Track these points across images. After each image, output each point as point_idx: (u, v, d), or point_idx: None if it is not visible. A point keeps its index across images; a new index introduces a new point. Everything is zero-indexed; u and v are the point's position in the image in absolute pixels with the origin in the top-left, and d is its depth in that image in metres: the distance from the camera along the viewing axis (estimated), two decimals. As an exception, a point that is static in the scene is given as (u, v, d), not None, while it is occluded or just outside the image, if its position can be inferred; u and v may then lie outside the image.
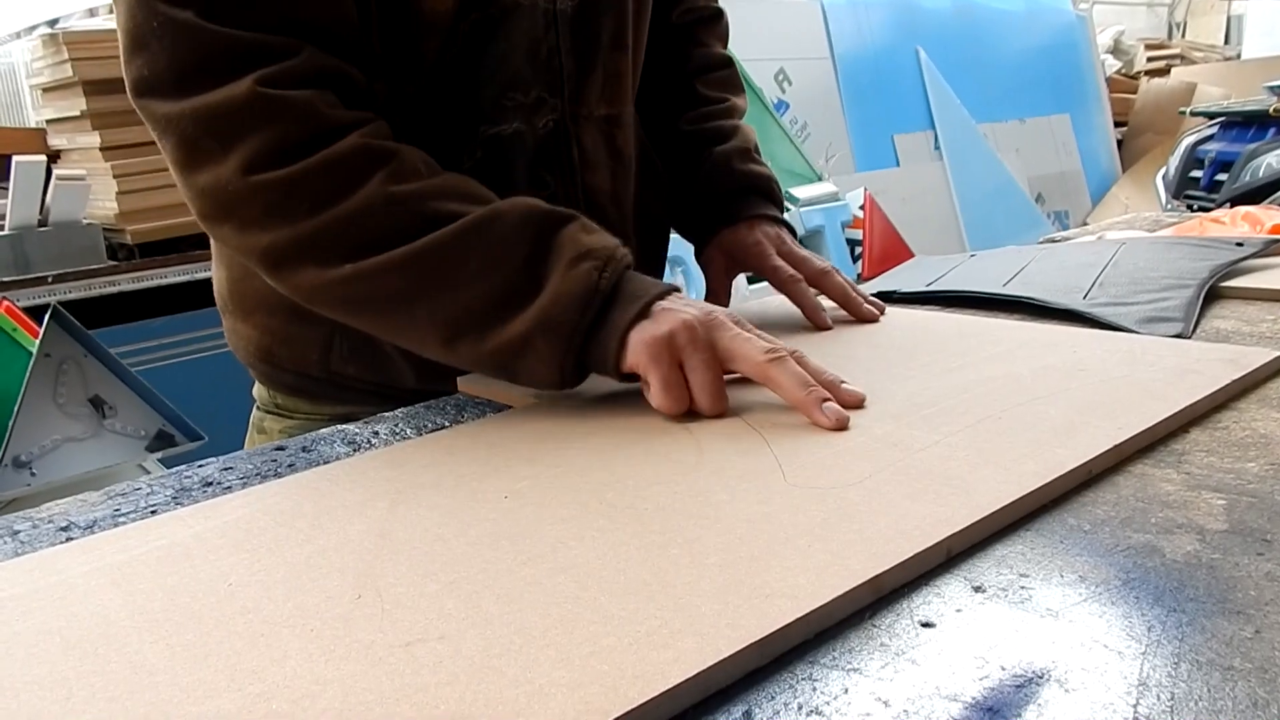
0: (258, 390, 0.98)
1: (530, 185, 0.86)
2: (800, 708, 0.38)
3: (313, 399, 0.92)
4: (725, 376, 0.70)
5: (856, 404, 0.68)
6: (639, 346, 0.69)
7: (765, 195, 1.02)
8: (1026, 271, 1.06)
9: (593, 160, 0.92)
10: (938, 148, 4.96)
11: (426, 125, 0.82)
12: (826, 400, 0.66)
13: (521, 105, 0.85)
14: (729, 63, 1.09)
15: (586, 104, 0.89)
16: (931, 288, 1.04)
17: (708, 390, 0.68)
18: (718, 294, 1.02)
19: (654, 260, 1.06)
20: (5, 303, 2.28)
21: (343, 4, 0.74)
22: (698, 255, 1.04)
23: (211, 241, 0.87)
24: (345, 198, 0.70)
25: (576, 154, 0.90)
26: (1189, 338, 0.84)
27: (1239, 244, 1.08)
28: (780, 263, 0.96)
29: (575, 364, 0.71)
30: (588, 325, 0.69)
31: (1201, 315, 0.91)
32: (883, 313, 0.95)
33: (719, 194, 1.02)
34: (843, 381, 0.70)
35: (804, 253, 0.99)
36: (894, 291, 1.05)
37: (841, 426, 0.65)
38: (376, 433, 0.74)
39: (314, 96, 0.71)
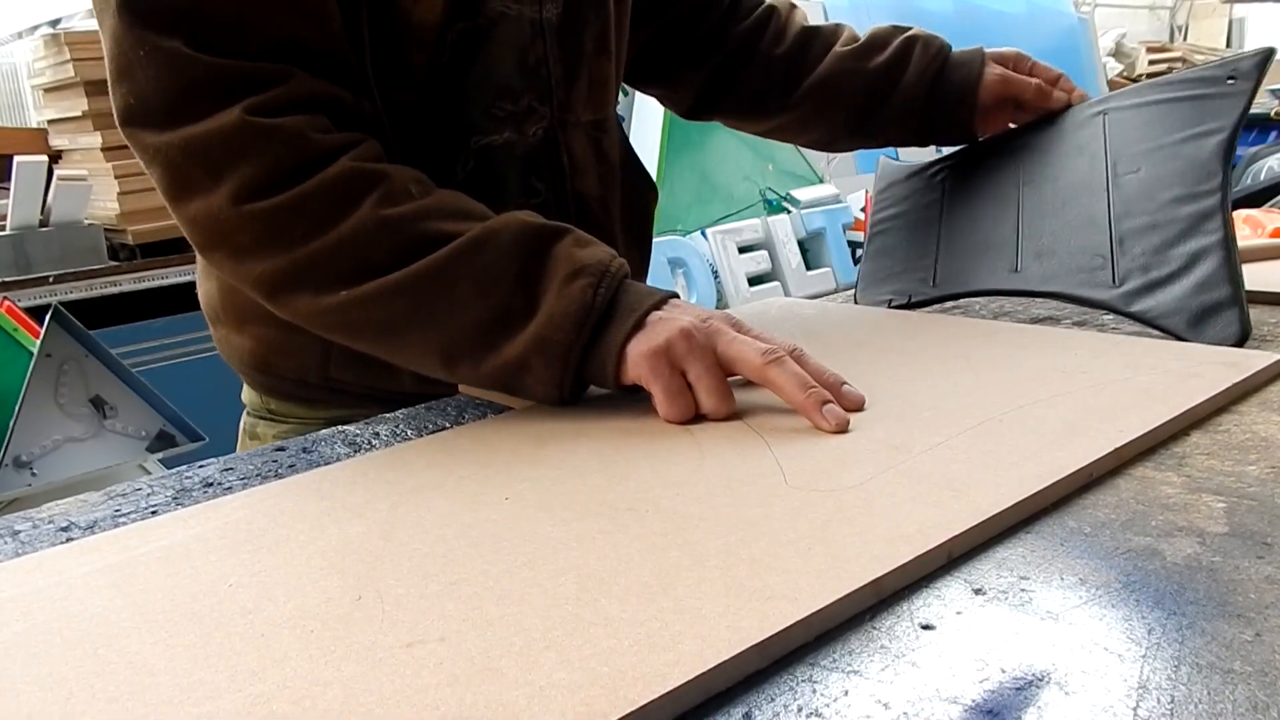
0: (248, 396, 0.97)
1: (522, 194, 0.87)
2: (800, 710, 0.38)
3: (309, 404, 0.92)
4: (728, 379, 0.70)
5: (857, 406, 0.68)
6: (637, 359, 0.69)
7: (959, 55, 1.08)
8: (1027, 221, 0.97)
9: (581, 166, 0.93)
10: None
11: (419, 139, 0.82)
12: (827, 402, 0.66)
13: (512, 114, 0.86)
14: (840, 27, 1.13)
15: (574, 110, 0.91)
16: (941, 291, 1.01)
17: (713, 394, 0.68)
18: (1027, 99, 1.04)
19: (639, 259, 1.07)
20: (6, 303, 2.28)
21: (331, 25, 0.75)
22: (968, 127, 1.08)
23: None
24: (337, 224, 0.70)
25: (566, 160, 0.91)
26: (1249, 333, 0.81)
27: (1231, 79, 0.93)
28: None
29: (574, 382, 0.71)
30: (584, 344, 0.70)
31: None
32: None
33: (941, 86, 1.06)
34: (844, 382, 0.69)
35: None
36: (910, 297, 1.03)
37: (842, 429, 0.65)
38: (377, 434, 0.74)
39: (303, 122, 0.71)
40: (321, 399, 0.91)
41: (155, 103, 0.70)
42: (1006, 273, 0.95)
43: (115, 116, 0.72)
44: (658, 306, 0.71)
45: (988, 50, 1.07)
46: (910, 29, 1.09)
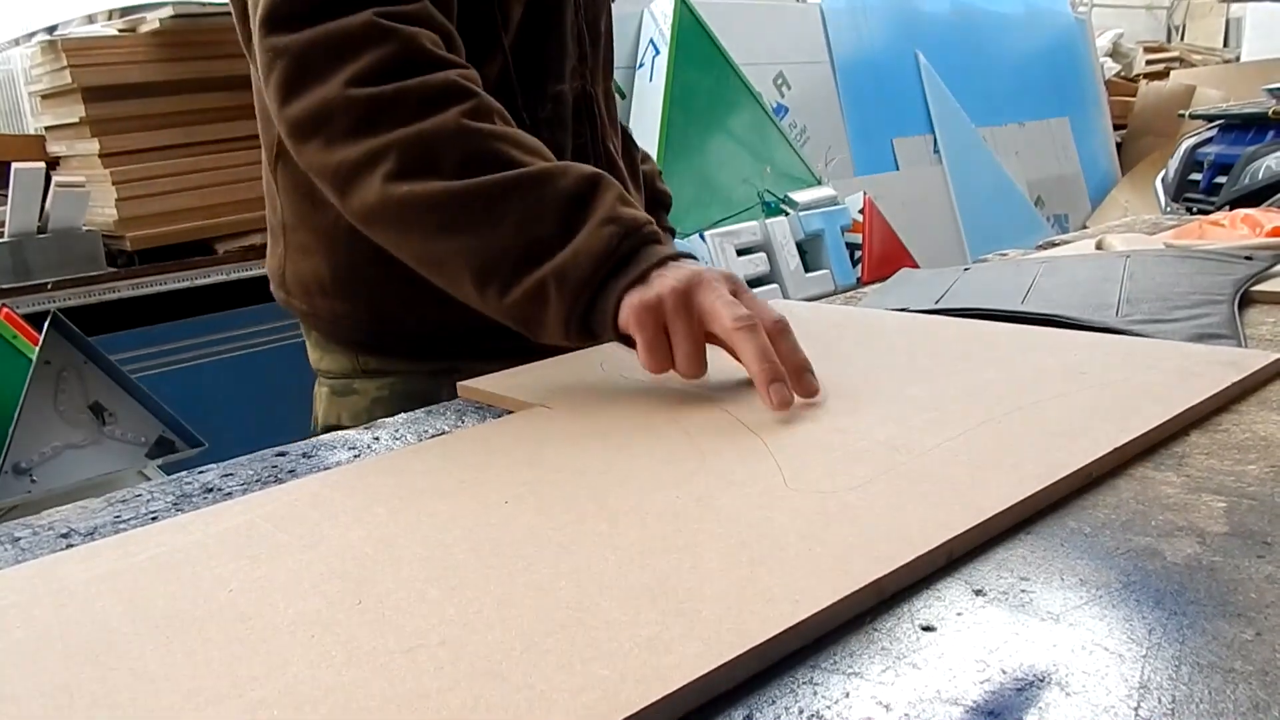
0: (333, 363, 1.04)
1: (575, 136, 1.02)
2: (801, 712, 0.38)
3: (416, 357, 1.00)
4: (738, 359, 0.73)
5: (809, 394, 0.71)
6: (629, 310, 0.73)
7: (668, 211, 1.29)
8: (1038, 287, 1.04)
9: (604, 121, 1.07)
10: (937, 151, 4.96)
11: (514, 83, 0.96)
12: (779, 381, 0.69)
13: (569, 70, 1.01)
14: (621, 93, 1.36)
15: (596, 75, 1.06)
16: (949, 305, 1.02)
17: (686, 357, 0.73)
18: None
19: (642, 206, 1.16)
20: (5, 309, 2.28)
21: None
22: None
23: (285, 233, 1.00)
24: (424, 119, 0.78)
25: (597, 115, 1.06)
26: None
27: (1248, 257, 1.06)
28: None
29: (580, 320, 0.76)
30: (597, 284, 0.75)
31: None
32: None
33: (647, 206, 1.20)
34: (808, 369, 0.72)
35: None
36: (905, 309, 1.03)
37: (783, 408, 0.68)
38: (377, 438, 0.74)
39: (422, 34, 0.81)
40: (431, 351, 0.99)
41: (298, 2, 0.80)
42: (1010, 302, 1.00)
43: (256, 19, 0.82)
44: (663, 264, 0.75)
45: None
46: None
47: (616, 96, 1.18)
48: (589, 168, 0.80)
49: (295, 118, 0.81)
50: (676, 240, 1.27)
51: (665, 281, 0.73)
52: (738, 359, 0.72)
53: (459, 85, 0.80)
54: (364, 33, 0.79)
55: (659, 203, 1.27)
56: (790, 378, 0.70)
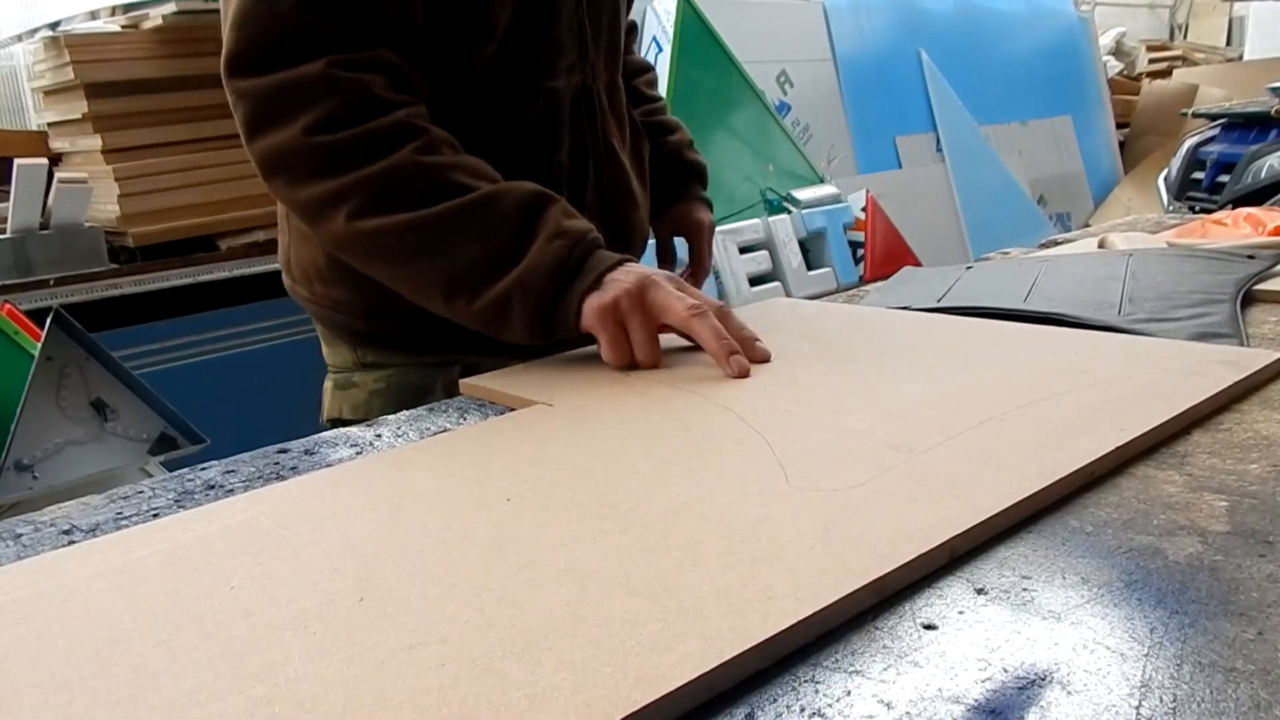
0: (337, 357, 1.08)
1: (571, 133, 1.04)
2: (803, 710, 0.38)
3: (411, 350, 1.03)
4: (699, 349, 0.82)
5: (763, 359, 0.82)
6: (589, 312, 0.83)
7: (703, 181, 1.30)
8: (1040, 286, 1.04)
9: (605, 114, 1.09)
10: (940, 150, 4.95)
11: (502, 81, 0.98)
12: (736, 353, 0.79)
13: (564, 66, 1.03)
14: (650, 66, 1.34)
15: (598, 69, 1.07)
16: (952, 303, 1.02)
17: (643, 347, 0.83)
18: (666, 251, 1.28)
19: (645, 195, 1.18)
20: (7, 306, 2.28)
21: (414, 14, 0.89)
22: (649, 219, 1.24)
23: (290, 219, 1.04)
24: (381, 159, 0.84)
25: (598, 109, 1.07)
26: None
27: (1250, 256, 1.07)
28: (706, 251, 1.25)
29: (543, 324, 0.84)
30: (555, 292, 0.84)
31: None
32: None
33: (675, 175, 1.26)
34: (757, 340, 0.84)
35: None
36: (907, 308, 1.03)
37: (743, 375, 0.78)
38: (379, 435, 0.74)
39: (372, 79, 0.86)
40: (427, 342, 1.01)
41: (257, 50, 0.85)
42: (1013, 300, 1.00)
43: (221, 59, 0.86)
44: (613, 268, 0.85)
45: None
46: (670, 133, 1.29)
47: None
48: (532, 185, 0.88)
49: (259, 155, 0.87)
50: (675, 238, 1.26)
51: (619, 285, 0.83)
52: (696, 341, 0.82)
53: (409, 125, 0.86)
54: (318, 83, 0.84)
55: (691, 173, 1.28)
56: (743, 348, 0.81)
